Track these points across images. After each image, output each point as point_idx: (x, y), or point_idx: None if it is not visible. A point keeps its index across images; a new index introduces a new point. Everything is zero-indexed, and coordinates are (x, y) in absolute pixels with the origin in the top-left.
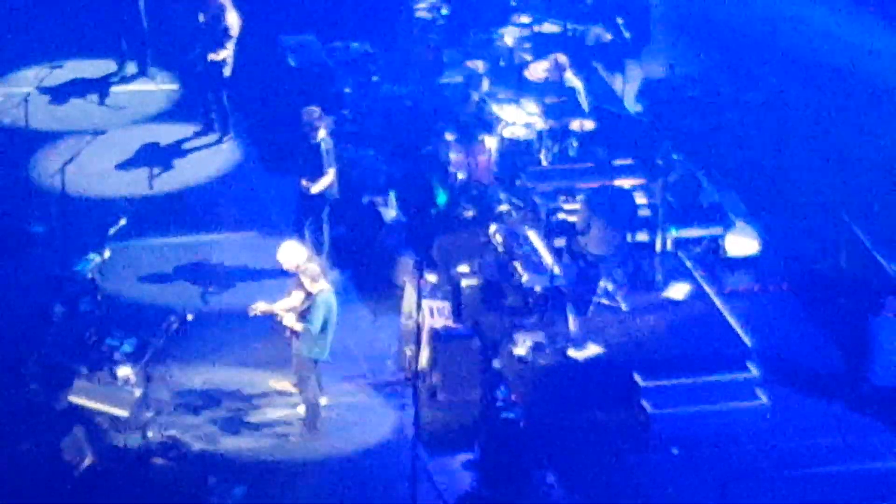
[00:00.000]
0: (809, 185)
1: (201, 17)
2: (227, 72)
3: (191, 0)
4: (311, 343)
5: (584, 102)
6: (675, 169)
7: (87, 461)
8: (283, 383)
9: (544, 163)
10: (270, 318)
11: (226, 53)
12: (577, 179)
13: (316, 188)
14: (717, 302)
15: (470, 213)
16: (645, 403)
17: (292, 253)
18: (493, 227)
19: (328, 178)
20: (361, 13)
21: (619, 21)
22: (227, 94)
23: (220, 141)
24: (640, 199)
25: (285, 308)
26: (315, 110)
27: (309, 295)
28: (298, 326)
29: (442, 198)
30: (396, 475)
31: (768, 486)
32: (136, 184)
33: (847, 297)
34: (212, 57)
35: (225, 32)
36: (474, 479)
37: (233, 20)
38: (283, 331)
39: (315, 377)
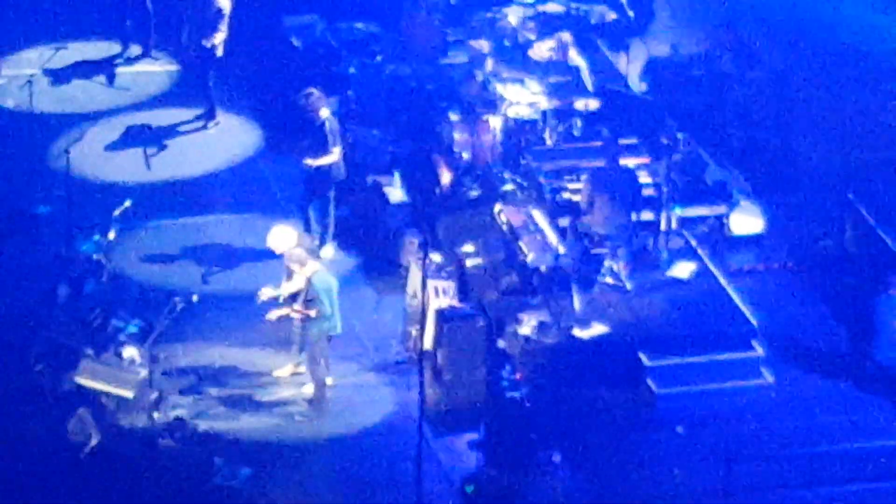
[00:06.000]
0: (814, 163)
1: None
2: (219, 53)
3: None
4: (321, 322)
5: (589, 82)
6: (680, 148)
7: (93, 442)
8: (286, 368)
9: (549, 142)
10: (276, 303)
11: (220, 36)
12: (582, 159)
13: (317, 162)
14: (722, 281)
15: (474, 193)
16: (650, 382)
17: (281, 237)
18: (497, 207)
19: (333, 156)
20: None
21: (623, 0)
22: (213, 77)
23: (205, 126)
24: (645, 178)
25: (290, 293)
26: (312, 91)
27: (306, 278)
28: (310, 312)
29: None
30: (402, 455)
31: (773, 465)
32: (140, 165)
33: (852, 276)
34: (205, 42)
35: (217, 14)
36: (480, 458)
37: (224, 1)
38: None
39: (325, 356)
